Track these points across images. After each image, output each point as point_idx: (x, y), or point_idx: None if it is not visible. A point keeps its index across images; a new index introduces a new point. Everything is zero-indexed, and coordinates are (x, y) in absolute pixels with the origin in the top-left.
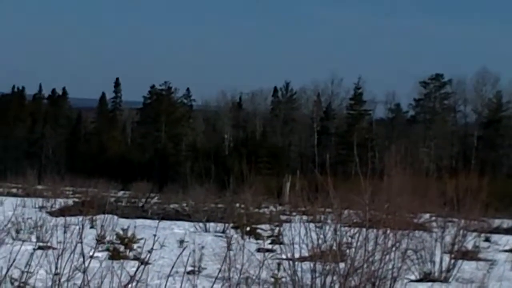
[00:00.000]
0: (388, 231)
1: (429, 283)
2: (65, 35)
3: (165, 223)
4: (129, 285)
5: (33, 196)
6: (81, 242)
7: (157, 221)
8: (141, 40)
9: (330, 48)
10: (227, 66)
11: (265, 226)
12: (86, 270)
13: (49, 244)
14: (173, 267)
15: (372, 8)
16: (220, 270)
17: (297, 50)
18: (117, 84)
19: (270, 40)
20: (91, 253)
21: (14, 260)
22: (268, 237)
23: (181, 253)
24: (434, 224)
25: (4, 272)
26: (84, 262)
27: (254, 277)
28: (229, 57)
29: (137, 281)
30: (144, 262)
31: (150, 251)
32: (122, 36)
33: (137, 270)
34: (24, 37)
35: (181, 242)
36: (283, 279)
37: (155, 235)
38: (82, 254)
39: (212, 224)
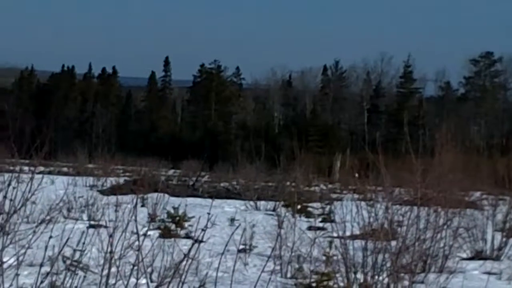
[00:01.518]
0: (439, 209)
1: (481, 261)
2: (114, 14)
3: (215, 202)
4: (182, 263)
5: (84, 175)
6: (135, 220)
7: (207, 199)
8: (191, 18)
9: (380, 26)
10: (277, 45)
11: (316, 204)
12: (140, 248)
13: (100, 222)
14: (226, 245)
15: None
16: (273, 249)
17: (346, 28)
18: (166, 63)
19: (320, 18)
20: (143, 232)
21: (68, 239)
22: (319, 215)
23: (234, 232)
24: (485, 202)
25: (56, 250)
26: (138, 240)
27: (305, 255)
28: (279, 35)
29: (191, 259)
30: (198, 240)
31: (204, 229)
32: (172, 14)
33: (191, 248)
34: (73, 17)
35: (232, 220)
36: (335, 257)
37: (209, 213)
38: (137, 232)
39: (262, 202)
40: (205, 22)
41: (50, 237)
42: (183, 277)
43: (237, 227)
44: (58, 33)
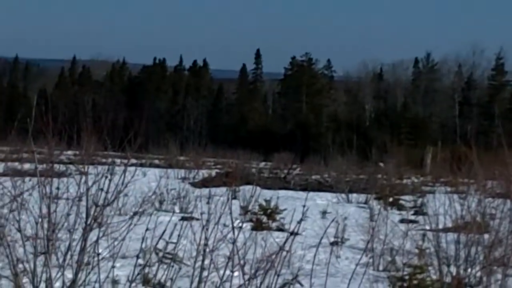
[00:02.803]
0: None
1: None
2: (205, 7)
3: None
4: (274, 256)
5: (176, 167)
6: (230, 213)
7: (299, 192)
8: (282, 11)
9: (472, 18)
10: (368, 37)
11: (408, 197)
12: (235, 241)
13: (192, 215)
14: (322, 238)
15: None
16: (367, 242)
17: (438, 21)
18: (258, 55)
19: (411, 11)
20: (236, 224)
21: (164, 231)
22: (411, 208)
23: (328, 226)
24: None
25: (148, 243)
26: (233, 232)
27: (398, 248)
28: (370, 28)
29: (287, 252)
30: (293, 233)
31: (299, 222)
32: (263, 7)
33: (286, 240)
34: (164, 10)
35: (324, 213)
36: (427, 250)
37: (304, 206)
38: (232, 224)
39: (354, 195)
40: (296, 14)
41: (147, 229)
42: (278, 269)
43: (332, 221)
44: (150, 26)
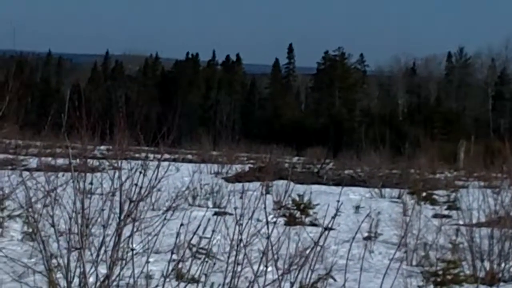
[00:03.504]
0: None
1: None
2: (238, 2)
3: (340, 189)
4: (308, 251)
5: (209, 162)
6: (265, 208)
7: (332, 187)
8: (313, 6)
9: (505, 12)
10: (401, 32)
11: (441, 192)
12: (270, 235)
13: (226, 210)
14: (356, 233)
15: None
16: (402, 237)
17: (471, 15)
18: (290, 50)
19: (443, 5)
20: (270, 219)
21: (198, 226)
22: (444, 202)
23: (363, 221)
24: None
25: (182, 238)
26: (267, 227)
27: (431, 243)
28: (402, 22)
29: (320, 247)
30: (327, 228)
31: (333, 217)
32: (295, 2)
33: (320, 235)
34: (197, 4)
35: (357, 208)
36: (461, 245)
37: (338, 201)
38: (266, 219)
39: (387, 189)
40: (329, 8)
41: (181, 224)
42: (312, 264)
43: (366, 216)
44: (182, 21)
